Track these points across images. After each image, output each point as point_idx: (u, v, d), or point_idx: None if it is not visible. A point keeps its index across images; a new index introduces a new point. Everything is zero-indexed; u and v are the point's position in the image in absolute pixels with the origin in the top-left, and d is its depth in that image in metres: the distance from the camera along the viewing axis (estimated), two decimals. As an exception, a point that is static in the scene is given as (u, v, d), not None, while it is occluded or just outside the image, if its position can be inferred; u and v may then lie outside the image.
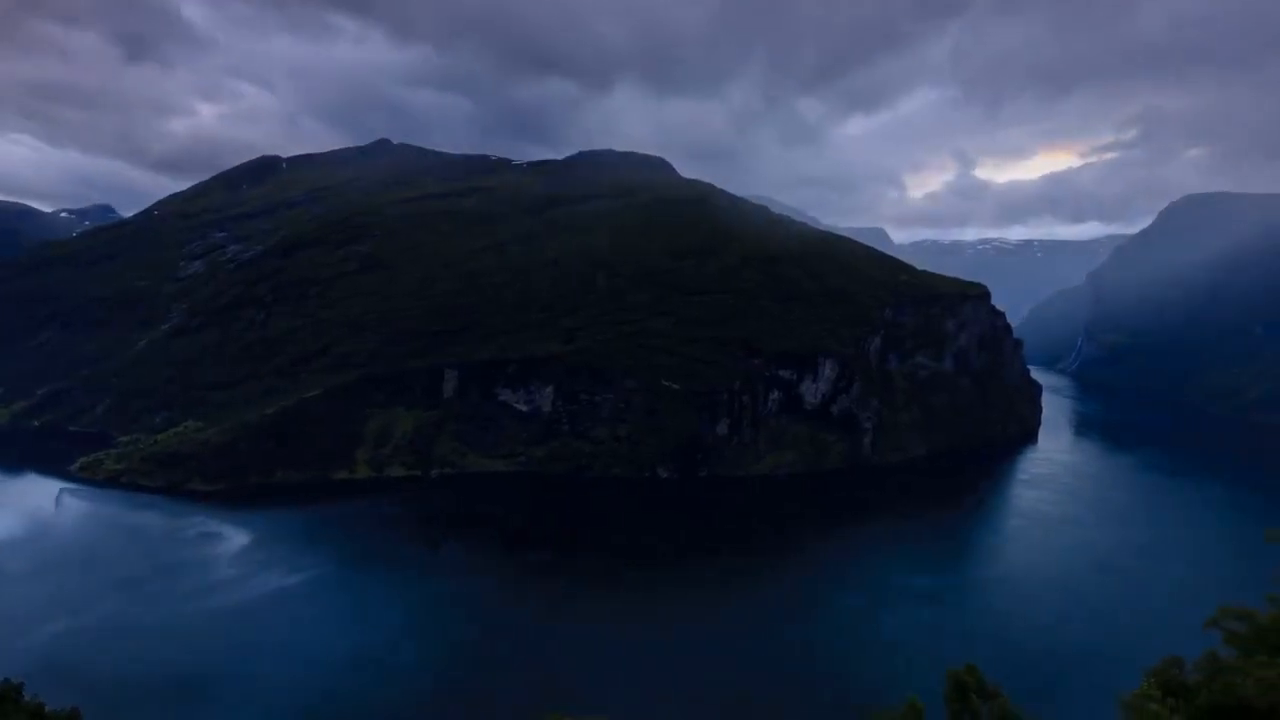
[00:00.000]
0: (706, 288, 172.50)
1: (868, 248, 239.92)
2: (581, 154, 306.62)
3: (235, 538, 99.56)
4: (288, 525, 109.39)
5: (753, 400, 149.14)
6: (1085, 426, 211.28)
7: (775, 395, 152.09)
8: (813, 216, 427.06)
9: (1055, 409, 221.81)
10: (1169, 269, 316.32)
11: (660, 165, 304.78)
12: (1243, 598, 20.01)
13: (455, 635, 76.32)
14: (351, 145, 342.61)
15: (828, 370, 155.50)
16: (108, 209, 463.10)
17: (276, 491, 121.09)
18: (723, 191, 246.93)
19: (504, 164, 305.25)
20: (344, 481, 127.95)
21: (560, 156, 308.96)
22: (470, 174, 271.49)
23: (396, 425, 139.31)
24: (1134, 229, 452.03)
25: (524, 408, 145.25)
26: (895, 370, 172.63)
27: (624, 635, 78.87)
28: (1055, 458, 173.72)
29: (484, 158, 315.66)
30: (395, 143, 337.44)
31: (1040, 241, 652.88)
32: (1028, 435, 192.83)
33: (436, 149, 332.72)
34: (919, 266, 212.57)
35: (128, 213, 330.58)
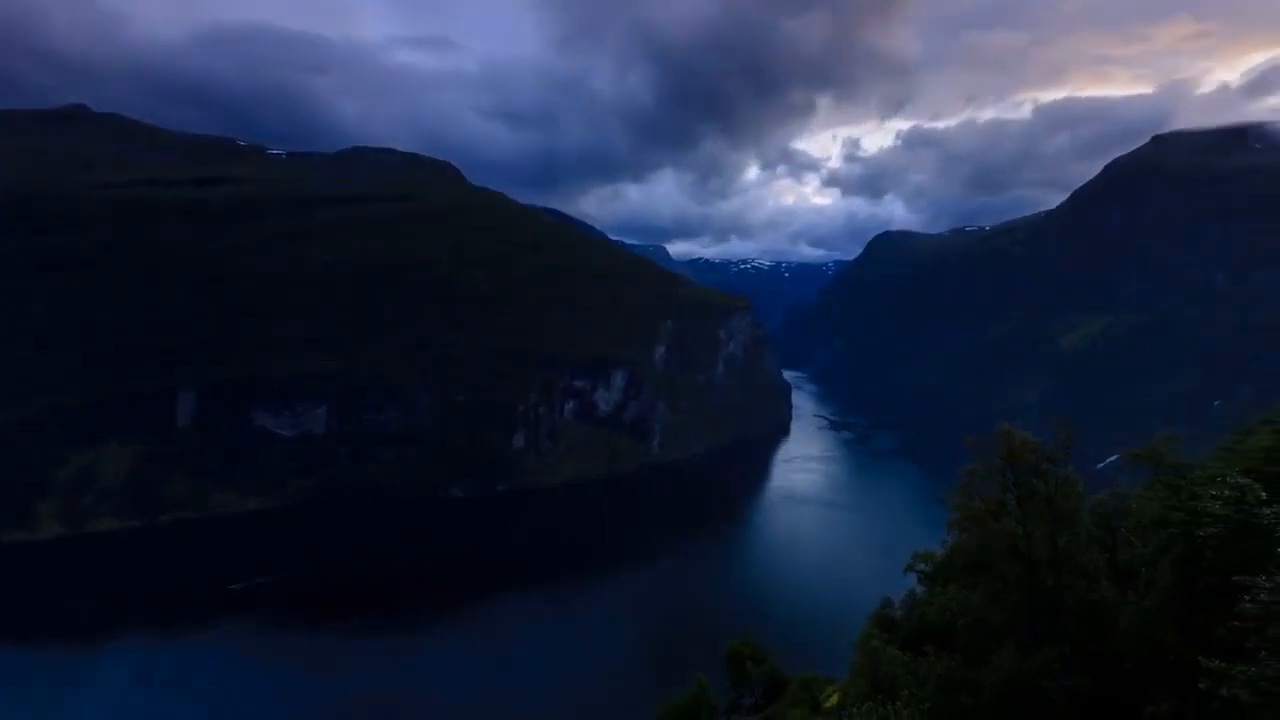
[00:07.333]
0: (499, 298, 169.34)
1: (651, 262, 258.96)
2: (356, 149, 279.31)
3: None
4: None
5: (549, 411, 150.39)
6: (823, 418, 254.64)
7: (571, 405, 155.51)
8: (600, 231, 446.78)
9: (801, 404, 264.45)
10: (876, 289, 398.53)
11: (447, 169, 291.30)
12: (930, 544, 25.98)
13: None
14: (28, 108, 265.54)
15: (619, 379, 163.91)
16: None
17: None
18: (514, 201, 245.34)
19: (256, 151, 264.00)
20: (20, 545, 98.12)
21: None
22: (212, 160, 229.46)
23: (106, 466, 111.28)
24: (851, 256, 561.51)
25: (289, 432, 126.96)
26: (678, 376, 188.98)
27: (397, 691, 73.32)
28: (802, 446, 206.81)
29: (229, 141, 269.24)
30: (97, 111, 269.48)
31: (787, 264, 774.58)
32: (783, 427, 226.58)
33: (158, 124, 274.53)
34: (694, 281, 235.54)
35: None
